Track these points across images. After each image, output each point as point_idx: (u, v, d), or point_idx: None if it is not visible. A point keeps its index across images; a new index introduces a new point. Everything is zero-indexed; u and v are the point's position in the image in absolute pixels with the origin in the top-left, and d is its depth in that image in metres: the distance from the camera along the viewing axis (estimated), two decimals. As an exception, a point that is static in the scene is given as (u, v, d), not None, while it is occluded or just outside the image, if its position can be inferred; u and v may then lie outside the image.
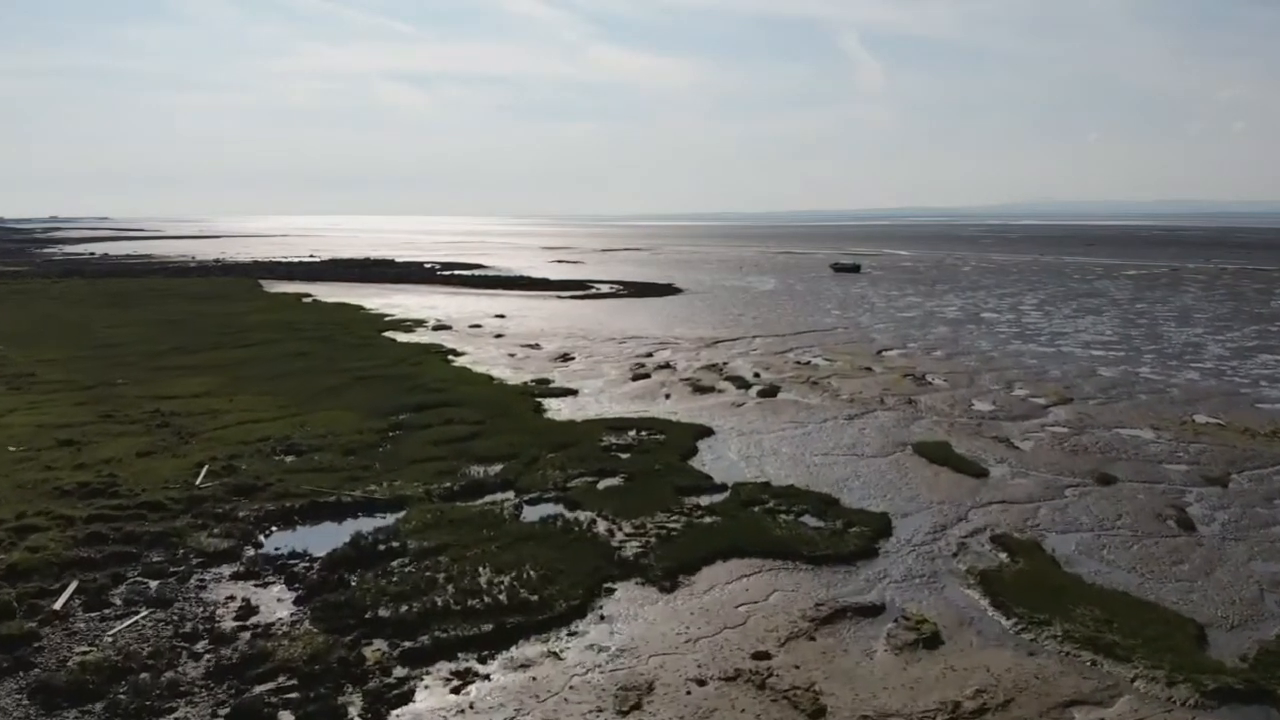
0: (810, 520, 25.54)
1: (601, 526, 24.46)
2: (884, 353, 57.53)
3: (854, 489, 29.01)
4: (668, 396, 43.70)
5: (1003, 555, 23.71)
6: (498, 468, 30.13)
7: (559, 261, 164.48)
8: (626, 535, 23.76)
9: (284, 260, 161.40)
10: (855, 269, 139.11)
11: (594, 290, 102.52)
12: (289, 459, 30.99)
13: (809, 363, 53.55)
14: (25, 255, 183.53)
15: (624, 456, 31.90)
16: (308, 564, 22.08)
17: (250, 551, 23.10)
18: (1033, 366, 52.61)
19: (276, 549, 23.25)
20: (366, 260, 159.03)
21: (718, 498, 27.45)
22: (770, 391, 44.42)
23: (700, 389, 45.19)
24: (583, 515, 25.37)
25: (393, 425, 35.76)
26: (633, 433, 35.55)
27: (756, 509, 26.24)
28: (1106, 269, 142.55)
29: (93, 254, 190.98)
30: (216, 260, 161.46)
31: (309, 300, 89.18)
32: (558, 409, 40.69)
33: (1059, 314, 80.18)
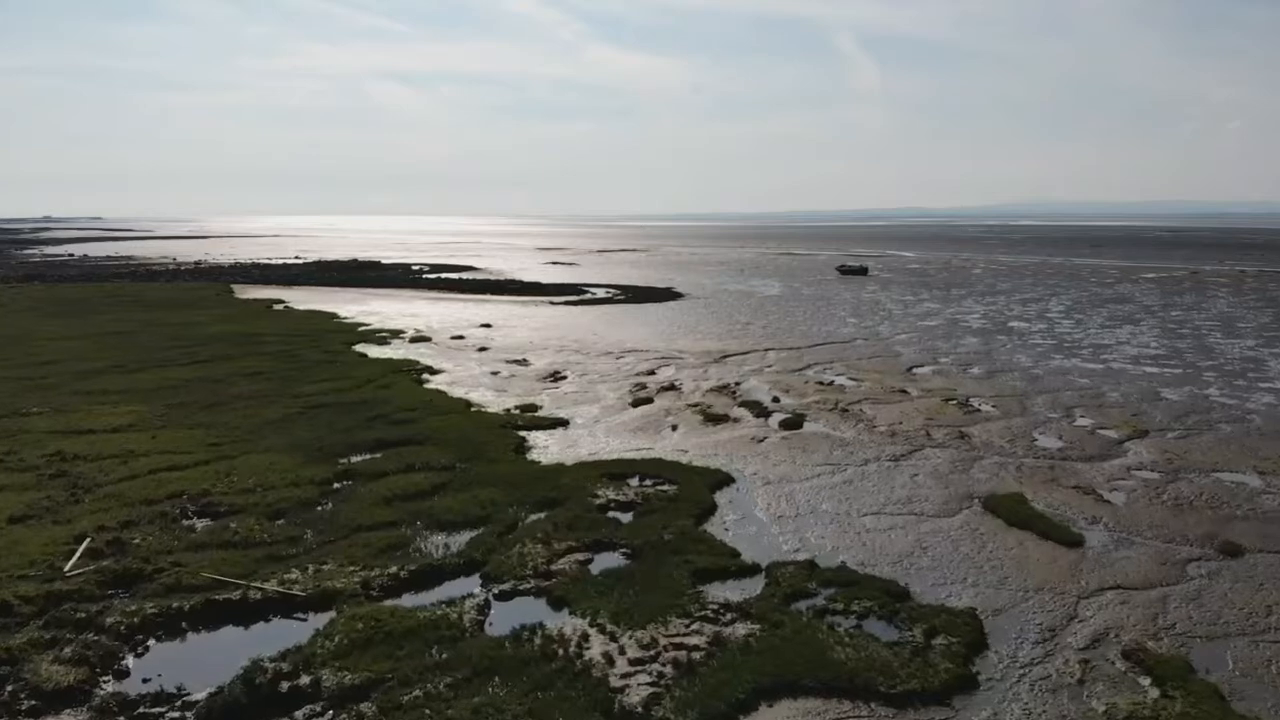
0: (878, 627, 18.97)
1: (596, 646, 17.67)
2: (915, 370, 51.09)
3: (923, 570, 22.51)
4: (675, 428, 37.23)
5: (1145, 683, 17.31)
6: (463, 540, 23.54)
7: (553, 263, 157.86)
8: (631, 663, 17.02)
9: (265, 262, 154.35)
10: (862, 271, 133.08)
11: (589, 295, 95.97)
12: (199, 525, 24.42)
13: (833, 383, 47.09)
14: (2, 256, 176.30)
15: (625, 519, 25.37)
16: (178, 713, 15.55)
17: (107, 686, 16.53)
18: (1086, 387, 46.21)
19: (144, 682, 16.68)
20: (351, 262, 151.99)
21: (750, 589, 20.86)
22: (794, 422, 37.95)
23: (712, 418, 38.71)
24: (570, 625, 18.65)
25: (340, 473, 29.19)
26: (635, 482, 29.09)
27: (804, 608, 19.68)
28: (1123, 272, 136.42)
29: (71, 255, 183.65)
30: (197, 262, 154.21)
31: (280, 307, 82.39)
32: (544, 446, 34.21)
33: (1092, 323, 73.84)
